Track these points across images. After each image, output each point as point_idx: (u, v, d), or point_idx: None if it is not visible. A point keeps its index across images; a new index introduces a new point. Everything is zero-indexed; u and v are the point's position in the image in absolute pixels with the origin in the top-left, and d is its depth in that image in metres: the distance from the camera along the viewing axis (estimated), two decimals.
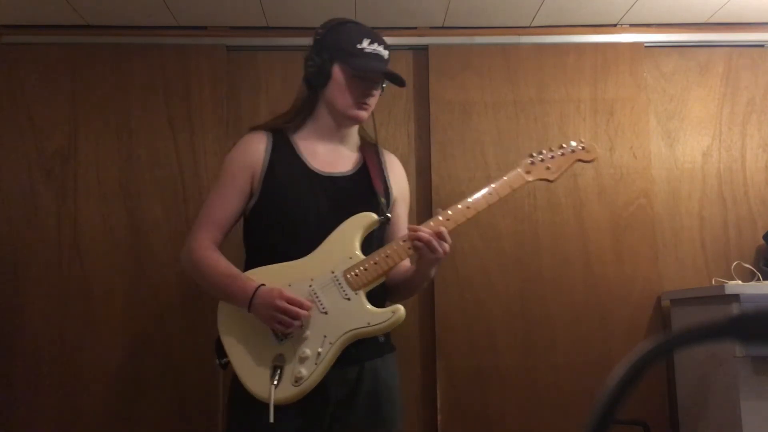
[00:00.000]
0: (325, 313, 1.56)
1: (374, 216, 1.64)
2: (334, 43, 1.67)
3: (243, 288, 1.56)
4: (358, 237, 1.62)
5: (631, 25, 2.66)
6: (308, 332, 1.55)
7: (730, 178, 2.60)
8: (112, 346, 2.39)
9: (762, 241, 2.53)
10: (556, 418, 2.40)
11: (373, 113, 1.74)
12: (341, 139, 1.75)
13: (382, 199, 1.70)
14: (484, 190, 1.67)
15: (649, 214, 2.55)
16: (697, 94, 2.65)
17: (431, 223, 1.61)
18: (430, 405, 2.42)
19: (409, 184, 2.51)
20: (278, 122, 1.75)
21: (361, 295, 1.58)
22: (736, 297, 2.04)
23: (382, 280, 1.61)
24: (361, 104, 1.67)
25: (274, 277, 1.57)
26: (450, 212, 1.64)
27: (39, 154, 2.50)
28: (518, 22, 2.62)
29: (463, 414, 2.41)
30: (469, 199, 1.66)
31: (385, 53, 1.69)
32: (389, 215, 1.70)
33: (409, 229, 1.60)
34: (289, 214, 1.64)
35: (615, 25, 2.66)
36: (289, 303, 1.51)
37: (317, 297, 1.57)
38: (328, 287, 1.58)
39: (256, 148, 1.69)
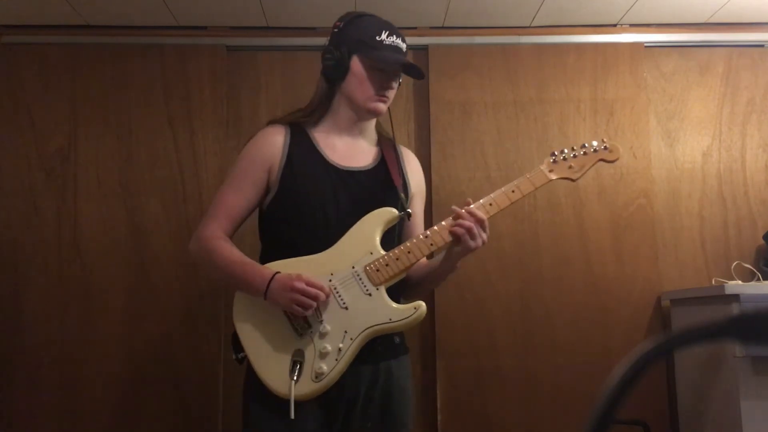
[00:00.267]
0: (346, 308, 1.54)
1: (395, 211, 1.62)
2: (353, 35, 1.65)
3: (260, 274, 1.53)
4: (379, 232, 1.60)
5: (631, 25, 2.66)
6: (328, 327, 1.53)
7: (730, 178, 2.60)
8: (112, 346, 2.39)
9: (762, 241, 2.53)
10: (556, 418, 2.40)
11: (389, 108, 1.72)
12: (359, 133, 1.73)
13: (402, 194, 1.68)
14: (507, 187, 1.64)
15: (649, 214, 2.55)
16: (697, 94, 2.66)
17: (472, 208, 1.58)
18: (430, 405, 2.42)
19: None
20: (297, 116, 1.72)
21: (382, 290, 1.56)
22: (736, 297, 2.04)
23: (403, 275, 1.59)
24: (380, 97, 1.66)
25: (293, 270, 1.54)
26: (471, 209, 1.61)
27: (39, 154, 2.50)
28: (518, 22, 2.62)
29: (463, 414, 2.41)
30: (493, 196, 1.63)
31: (404, 45, 1.68)
32: (410, 211, 1.69)
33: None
34: (308, 208, 1.61)
35: (615, 25, 2.66)
36: (307, 285, 1.48)
37: (337, 292, 1.55)
38: (349, 282, 1.56)
39: (275, 141, 1.66)
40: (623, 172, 2.56)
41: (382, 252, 1.58)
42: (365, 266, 1.56)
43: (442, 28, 2.64)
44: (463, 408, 2.41)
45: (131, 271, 2.44)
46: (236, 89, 2.59)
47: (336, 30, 1.69)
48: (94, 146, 2.51)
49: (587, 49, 2.64)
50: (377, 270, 1.56)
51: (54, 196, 2.47)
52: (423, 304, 1.55)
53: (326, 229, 1.60)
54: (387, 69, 1.65)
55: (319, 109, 1.72)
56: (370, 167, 1.70)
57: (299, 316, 1.52)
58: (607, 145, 1.71)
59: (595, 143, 1.71)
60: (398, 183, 1.69)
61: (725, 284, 2.12)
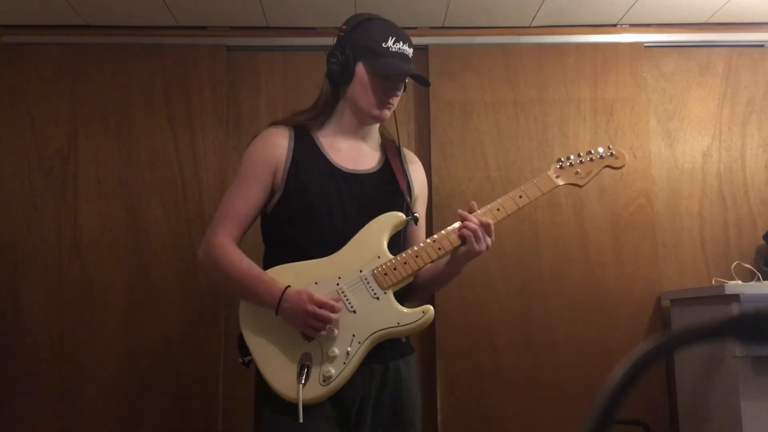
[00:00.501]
0: (354, 312, 1.54)
1: (402, 216, 1.63)
2: (359, 40, 1.63)
3: (269, 290, 1.52)
4: (386, 236, 1.60)
5: (631, 25, 2.66)
6: (336, 331, 1.52)
7: (730, 178, 2.60)
8: (112, 346, 2.39)
9: (762, 241, 2.53)
10: (556, 418, 2.40)
11: (394, 112, 1.71)
12: (363, 137, 1.72)
13: (408, 199, 1.68)
14: (514, 192, 1.65)
15: (649, 214, 2.55)
16: (697, 94, 2.66)
17: (479, 211, 1.60)
18: (430, 405, 2.42)
19: None
20: (300, 118, 1.71)
21: (390, 294, 1.56)
22: (736, 297, 2.04)
23: (410, 279, 1.59)
24: (384, 104, 1.65)
25: (301, 275, 1.54)
26: (481, 212, 1.62)
27: (39, 153, 2.50)
28: (518, 22, 2.62)
29: (463, 414, 2.41)
30: (500, 200, 1.64)
31: (410, 51, 1.67)
32: (417, 215, 1.69)
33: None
34: (314, 211, 1.61)
35: (615, 25, 2.66)
36: (319, 307, 1.48)
37: (345, 296, 1.55)
38: (357, 286, 1.56)
39: (279, 143, 1.65)
40: (623, 172, 2.56)
41: (390, 256, 1.58)
42: (373, 270, 1.57)
43: (442, 28, 2.64)
44: (463, 408, 2.41)
45: (131, 270, 2.44)
46: (236, 89, 2.58)
47: (342, 33, 1.67)
48: (94, 146, 2.51)
49: (587, 49, 2.64)
50: (385, 274, 1.56)
51: (54, 196, 2.47)
52: (431, 308, 1.55)
53: (332, 232, 1.60)
54: (391, 77, 1.64)
55: (323, 112, 1.71)
56: (374, 170, 1.70)
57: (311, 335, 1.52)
58: (614, 152, 1.72)
59: (601, 150, 1.72)
60: (403, 186, 1.69)
61: (725, 284, 2.11)
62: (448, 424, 2.40)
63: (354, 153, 1.70)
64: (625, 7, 2.52)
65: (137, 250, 2.45)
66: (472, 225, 1.56)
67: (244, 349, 1.58)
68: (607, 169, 1.74)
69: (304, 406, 1.46)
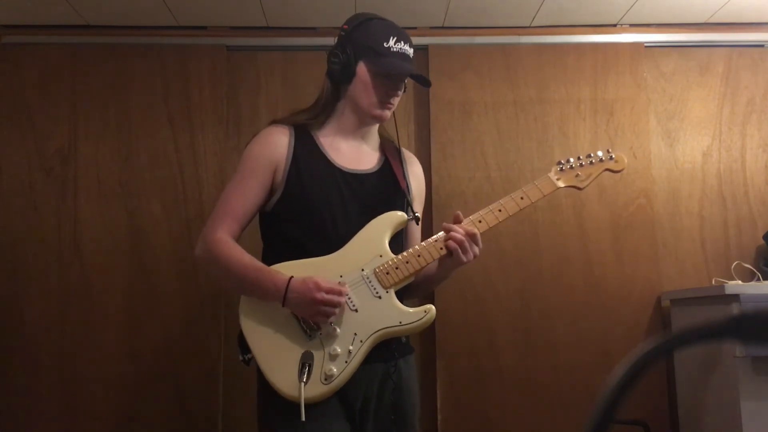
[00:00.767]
0: (356, 310, 1.54)
1: (404, 215, 1.63)
2: (360, 40, 1.63)
3: (274, 282, 1.51)
4: (387, 235, 1.60)
5: (631, 25, 2.66)
6: (338, 330, 1.52)
7: (730, 178, 2.60)
8: (112, 345, 2.39)
9: (762, 241, 2.53)
10: (556, 418, 2.40)
11: (394, 113, 1.71)
12: (363, 137, 1.73)
13: (409, 199, 1.69)
14: (516, 194, 1.66)
15: (649, 214, 2.55)
16: (697, 94, 2.66)
17: (464, 224, 1.60)
18: (430, 405, 2.42)
19: None
20: (300, 118, 1.71)
21: (392, 293, 1.56)
22: (736, 297, 2.04)
23: (412, 279, 1.59)
24: (385, 104, 1.65)
25: (302, 273, 1.53)
26: (482, 214, 1.63)
27: (39, 153, 2.50)
28: (518, 22, 2.62)
29: (463, 414, 2.41)
30: (501, 202, 1.65)
31: (411, 51, 1.67)
32: (418, 215, 1.69)
33: (444, 228, 1.59)
34: (314, 210, 1.61)
35: (615, 25, 2.66)
36: (327, 293, 1.48)
37: (347, 294, 1.55)
38: (358, 285, 1.56)
39: (280, 142, 1.65)
40: (623, 172, 2.56)
41: (392, 255, 1.58)
42: (375, 269, 1.57)
43: (442, 28, 2.64)
44: (463, 408, 2.41)
45: (131, 270, 2.44)
46: (236, 89, 2.58)
47: (343, 33, 1.67)
48: (94, 146, 2.51)
49: (587, 49, 2.64)
50: (387, 273, 1.56)
51: (54, 196, 2.47)
52: (432, 307, 1.55)
53: (333, 231, 1.60)
54: (392, 77, 1.64)
55: (323, 112, 1.71)
56: (374, 170, 1.70)
57: (323, 321, 1.51)
58: (613, 156, 1.73)
59: (600, 153, 1.73)
60: (403, 186, 1.69)
61: (725, 284, 2.12)
62: (448, 424, 2.40)
63: (354, 153, 1.70)
64: (625, 7, 2.52)
65: (137, 250, 2.45)
66: (457, 236, 1.56)
67: (244, 346, 1.57)
68: (606, 172, 1.75)
69: (305, 405, 1.45)
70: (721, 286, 2.09)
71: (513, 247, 2.51)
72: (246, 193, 1.63)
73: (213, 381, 2.37)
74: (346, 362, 1.51)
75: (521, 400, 2.42)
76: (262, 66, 2.60)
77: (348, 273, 1.56)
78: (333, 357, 1.51)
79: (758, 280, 2.42)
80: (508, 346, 2.45)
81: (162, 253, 2.45)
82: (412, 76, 1.67)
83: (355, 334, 1.53)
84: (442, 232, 1.60)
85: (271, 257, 1.63)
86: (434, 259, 1.60)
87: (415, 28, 2.62)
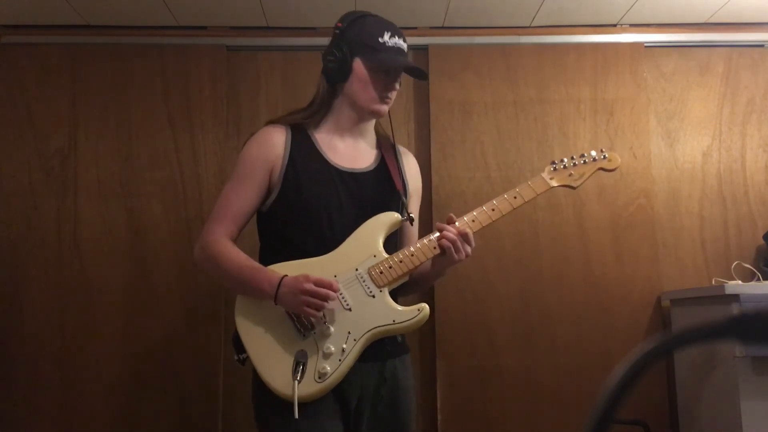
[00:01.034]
0: (349, 309, 1.55)
1: (398, 216, 1.64)
2: (355, 37, 1.64)
3: (267, 278, 1.53)
4: (382, 235, 1.62)
5: (631, 25, 2.66)
6: (332, 328, 1.53)
7: (730, 178, 2.60)
8: (112, 345, 2.39)
9: (762, 241, 2.53)
10: (556, 418, 2.40)
11: (389, 110, 1.72)
12: (360, 135, 1.73)
13: (404, 199, 1.70)
14: (509, 193, 1.67)
15: (649, 214, 2.55)
16: (697, 94, 2.65)
17: (457, 224, 1.60)
18: (430, 405, 2.42)
19: None
20: (297, 117, 1.72)
21: (386, 292, 1.57)
22: (736, 297, 2.04)
23: (406, 278, 1.60)
24: (383, 98, 1.66)
25: (297, 272, 1.54)
26: (476, 214, 1.63)
27: (39, 153, 2.50)
28: (518, 22, 2.62)
29: (463, 414, 2.41)
30: (495, 201, 1.66)
31: (405, 46, 1.68)
32: (413, 216, 1.70)
33: (437, 228, 1.60)
34: (311, 209, 1.62)
35: (615, 25, 2.66)
36: (316, 285, 1.48)
37: (341, 293, 1.56)
38: (352, 284, 1.57)
39: (276, 142, 1.66)
40: (623, 172, 2.56)
41: (386, 255, 1.59)
42: (369, 268, 1.58)
43: (442, 28, 2.64)
44: (463, 408, 2.41)
45: (131, 270, 2.44)
46: (236, 89, 2.59)
47: (338, 31, 1.68)
48: (94, 146, 2.51)
49: (587, 49, 2.64)
50: (381, 272, 1.57)
51: (54, 196, 2.47)
52: (426, 306, 1.56)
53: (329, 230, 1.61)
54: (390, 71, 1.65)
55: (320, 111, 1.71)
56: (371, 168, 1.70)
57: (312, 317, 1.52)
58: (607, 155, 1.75)
59: (594, 153, 1.74)
60: (399, 185, 1.70)
61: (725, 284, 2.11)
62: (448, 424, 2.40)
63: (351, 151, 1.71)
64: (625, 7, 2.52)
65: (137, 250, 2.45)
66: (450, 236, 1.57)
67: (239, 346, 1.59)
68: (602, 172, 1.76)
69: (300, 403, 1.46)
70: (721, 286, 2.09)
71: (513, 247, 2.51)
72: (242, 195, 1.64)
73: (213, 381, 2.37)
74: (339, 360, 1.51)
75: (521, 400, 2.42)
76: (262, 66, 2.60)
77: (342, 272, 1.57)
78: (327, 355, 1.52)
79: (758, 280, 2.42)
80: (508, 346, 2.45)
81: (162, 253, 2.45)
82: (409, 69, 1.67)
83: (349, 332, 1.53)
84: (436, 231, 1.61)
85: (267, 257, 1.64)
86: (428, 259, 1.61)
87: (415, 28, 2.62)
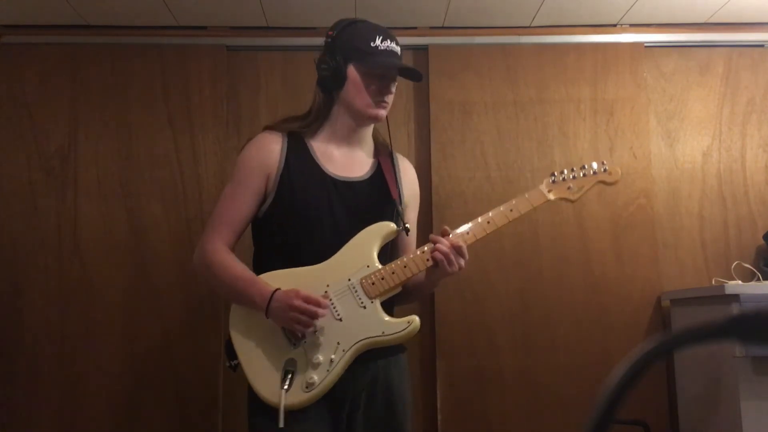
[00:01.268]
0: (340, 320, 1.56)
1: (394, 226, 1.64)
2: (347, 43, 1.65)
3: (260, 292, 1.54)
4: (376, 246, 1.62)
5: (631, 25, 2.66)
6: (322, 338, 1.54)
7: (730, 178, 2.60)
8: (112, 345, 2.39)
9: (762, 241, 2.53)
10: (556, 418, 2.40)
11: (387, 117, 1.72)
12: (357, 142, 1.73)
13: (400, 208, 1.69)
14: (505, 206, 1.67)
15: (649, 214, 2.55)
16: (697, 94, 2.65)
17: (451, 236, 1.61)
18: (430, 405, 2.42)
19: None
20: (294, 126, 1.72)
21: (377, 303, 1.57)
22: (736, 297, 2.04)
23: (398, 289, 1.61)
24: (379, 102, 1.66)
25: (290, 281, 1.55)
26: (470, 226, 1.64)
27: (39, 154, 2.50)
28: (518, 22, 2.62)
29: (463, 414, 2.41)
30: (490, 214, 1.66)
31: (398, 49, 1.68)
32: (408, 226, 1.70)
33: (431, 239, 1.60)
34: (305, 218, 1.62)
35: (615, 25, 2.66)
36: (305, 302, 1.49)
37: (332, 304, 1.56)
38: (344, 294, 1.57)
39: (273, 148, 1.67)
40: (623, 172, 2.55)
41: (379, 265, 1.60)
42: (361, 279, 1.58)
43: (442, 28, 2.64)
44: (463, 408, 2.41)
45: (131, 271, 2.44)
46: (236, 89, 2.58)
47: (329, 39, 1.69)
48: (94, 146, 2.51)
49: (587, 49, 2.64)
50: (373, 283, 1.58)
51: (54, 196, 2.47)
52: (416, 318, 1.57)
53: (322, 239, 1.61)
54: (385, 74, 1.65)
55: (317, 120, 1.72)
56: (366, 177, 1.71)
57: (301, 331, 1.53)
58: (607, 168, 1.74)
59: (595, 165, 1.73)
60: (395, 195, 1.70)
61: (725, 284, 2.11)
62: (448, 424, 2.40)
63: (347, 160, 1.71)
64: (625, 7, 2.52)
65: (137, 250, 2.45)
66: (443, 248, 1.57)
67: (231, 352, 1.61)
68: (602, 185, 1.75)
69: (288, 411, 1.48)
70: (721, 286, 2.09)
71: (513, 247, 2.51)
72: (239, 202, 1.66)
73: (213, 381, 2.37)
74: (327, 371, 1.52)
75: (521, 400, 2.42)
76: (262, 66, 2.60)
77: (335, 282, 1.58)
78: (315, 365, 1.53)
79: (758, 280, 2.42)
80: (508, 346, 2.45)
81: (162, 253, 2.45)
82: (403, 71, 1.68)
83: (338, 343, 1.54)
84: (431, 243, 1.61)
85: (260, 263, 1.66)
86: (420, 270, 1.61)
87: (415, 28, 2.62)
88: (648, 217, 2.54)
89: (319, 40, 2.56)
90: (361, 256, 1.60)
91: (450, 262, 1.57)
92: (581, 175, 1.72)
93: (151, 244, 2.45)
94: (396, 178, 1.75)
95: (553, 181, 1.71)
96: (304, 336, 1.54)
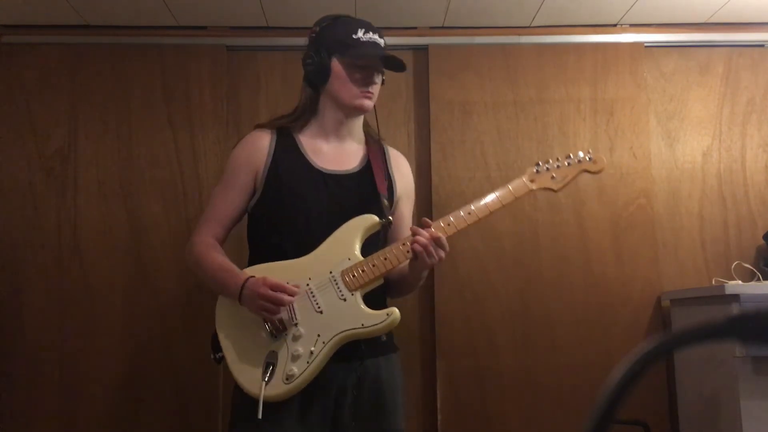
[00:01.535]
0: (321, 312, 1.57)
1: (376, 218, 1.65)
2: (330, 37, 1.68)
3: (234, 281, 1.57)
4: (359, 238, 1.63)
5: (631, 25, 2.66)
6: (302, 330, 1.56)
7: (730, 178, 2.60)
8: (112, 346, 2.39)
9: (762, 241, 2.53)
10: (556, 418, 2.40)
11: (375, 107, 1.74)
12: (346, 135, 1.75)
13: (386, 201, 1.69)
14: (487, 198, 1.67)
15: (649, 214, 2.55)
16: (697, 94, 2.65)
17: (431, 228, 1.61)
18: (430, 405, 2.42)
19: None
20: (283, 121, 1.76)
21: (357, 296, 1.58)
22: (736, 297, 2.04)
23: (379, 282, 1.61)
24: (365, 93, 1.68)
25: (273, 275, 1.57)
26: (452, 218, 1.64)
27: (39, 153, 2.50)
28: (518, 22, 2.62)
29: (463, 414, 2.41)
30: (472, 206, 1.66)
31: (382, 41, 1.70)
32: (390, 218, 1.70)
33: (411, 231, 1.61)
34: (292, 211, 1.64)
35: (615, 25, 2.66)
36: (272, 289, 1.51)
37: (314, 296, 1.58)
38: (325, 287, 1.59)
39: (261, 145, 1.70)
40: (623, 172, 2.56)
41: (361, 258, 1.60)
42: (342, 272, 1.59)
43: (442, 28, 2.64)
44: (463, 408, 2.41)
45: (131, 270, 2.44)
46: (236, 89, 2.59)
47: (313, 35, 1.72)
48: (94, 146, 2.51)
49: (587, 49, 2.64)
50: (353, 276, 1.59)
51: (54, 196, 2.47)
52: (396, 310, 1.57)
53: (309, 232, 1.63)
54: (367, 65, 1.67)
55: (304, 114, 1.74)
56: (355, 170, 1.72)
57: (271, 320, 1.55)
58: (592, 156, 1.73)
59: (581, 154, 1.73)
60: (382, 187, 1.70)
61: (725, 284, 2.11)
62: (448, 424, 2.40)
63: (336, 153, 1.73)
64: (625, 7, 2.52)
65: (137, 250, 2.45)
66: (422, 240, 1.57)
67: (216, 345, 1.63)
68: (587, 174, 1.75)
69: (269, 403, 1.49)
70: (721, 286, 2.09)
71: (513, 247, 2.51)
72: (228, 197, 1.70)
73: (213, 381, 2.37)
74: (307, 363, 1.53)
75: (521, 400, 2.42)
76: (262, 66, 2.60)
77: (316, 276, 1.60)
78: (295, 357, 1.54)
79: (758, 280, 2.42)
80: (508, 346, 2.45)
81: (162, 253, 2.45)
82: (386, 60, 1.69)
83: (318, 335, 1.55)
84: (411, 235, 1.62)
85: (254, 260, 1.69)
86: (401, 263, 1.62)
87: (415, 28, 2.62)
88: (648, 217, 2.54)
89: None
90: (343, 249, 1.61)
91: (429, 254, 1.57)
92: (566, 164, 1.72)
93: (151, 244, 2.46)
94: (387, 171, 1.76)
95: (537, 171, 1.71)
96: (285, 328, 1.55)
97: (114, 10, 2.46)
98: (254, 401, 1.50)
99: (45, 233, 2.45)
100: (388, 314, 1.56)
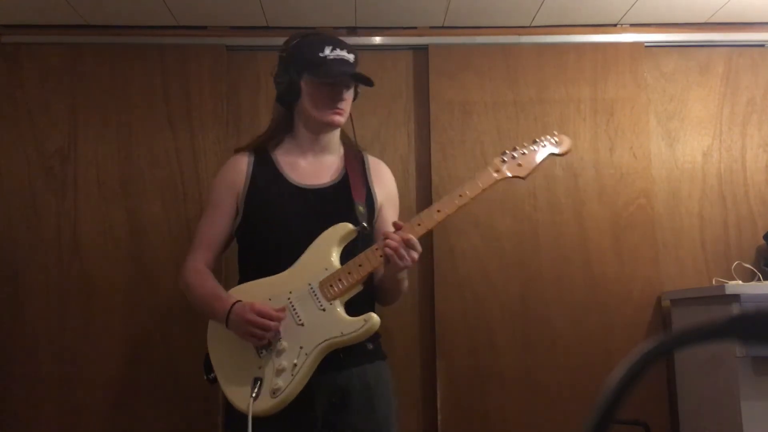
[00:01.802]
0: (302, 324, 1.59)
1: (350, 226, 1.65)
2: (298, 57, 1.71)
3: (222, 305, 1.61)
4: (335, 247, 1.64)
5: (632, 25, 2.66)
6: (286, 344, 1.58)
7: (730, 178, 2.60)
8: (112, 346, 2.39)
9: (762, 241, 2.53)
10: (556, 418, 2.40)
11: (351, 116, 1.77)
12: (323, 150, 1.77)
13: (361, 209, 1.70)
14: (454, 192, 1.67)
15: (649, 214, 2.55)
16: (697, 94, 2.65)
17: (402, 230, 1.61)
18: (430, 405, 2.42)
19: (409, 184, 2.53)
20: (259, 141, 1.80)
21: (336, 305, 1.59)
22: (736, 297, 2.04)
23: (358, 289, 1.62)
24: (333, 109, 1.70)
25: (256, 293, 1.61)
26: (421, 217, 1.64)
27: (39, 153, 2.50)
28: (518, 22, 2.62)
29: (463, 414, 2.41)
30: (439, 204, 1.66)
31: (350, 57, 1.71)
32: (365, 225, 1.70)
33: (383, 235, 1.61)
34: (272, 229, 1.68)
35: (615, 25, 2.66)
36: (259, 315, 1.54)
37: (294, 309, 1.60)
38: (305, 299, 1.60)
39: (239, 167, 1.74)
40: (623, 172, 2.56)
41: (338, 267, 1.61)
42: (320, 282, 1.61)
43: (442, 28, 2.64)
44: (463, 408, 2.41)
45: (131, 270, 2.44)
46: (236, 89, 2.58)
47: (283, 54, 1.75)
48: (94, 146, 2.51)
49: (587, 49, 2.64)
50: (330, 285, 1.60)
51: (54, 196, 2.47)
52: (374, 315, 1.58)
53: (290, 248, 1.64)
54: (336, 82, 1.69)
55: (278, 132, 1.78)
56: (332, 183, 1.73)
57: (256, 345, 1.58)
58: (557, 138, 1.71)
59: (547, 137, 1.71)
60: (360, 197, 1.71)
61: (725, 284, 2.12)
62: (448, 424, 2.40)
63: (313, 168, 1.75)
64: (625, 7, 2.52)
65: (137, 250, 2.45)
66: (392, 243, 1.57)
67: (208, 366, 1.67)
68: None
69: (259, 419, 1.52)
70: (722, 286, 2.09)
71: (513, 248, 2.50)
72: (213, 223, 1.74)
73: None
74: (292, 375, 1.55)
75: (521, 400, 2.42)
76: (262, 66, 2.60)
77: (296, 289, 1.61)
78: (279, 372, 1.56)
79: (758, 280, 2.42)
80: (508, 346, 2.45)
81: (162, 253, 2.45)
82: (352, 77, 1.70)
83: (301, 347, 1.57)
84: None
85: (241, 280, 1.72)
86: (375, 267, 1.62)
87: (415, 28, 2.62)
88: (648, 217, 2.54)
89: None
90: (320, 260, 1.62)
91: (401, 257, 1.57)
92: (532, 150, 1.71)
93: (151, 244, 2.46)
94: (366, 180, 1.77)
95: (503, 161, 1.69)
96: (270, 343, 1.58)
97: (114, 9, 2.46)
98: (245, 417, 1.52)
99: (45, 233, 2.45)
100: (365, 320, 1.57)
